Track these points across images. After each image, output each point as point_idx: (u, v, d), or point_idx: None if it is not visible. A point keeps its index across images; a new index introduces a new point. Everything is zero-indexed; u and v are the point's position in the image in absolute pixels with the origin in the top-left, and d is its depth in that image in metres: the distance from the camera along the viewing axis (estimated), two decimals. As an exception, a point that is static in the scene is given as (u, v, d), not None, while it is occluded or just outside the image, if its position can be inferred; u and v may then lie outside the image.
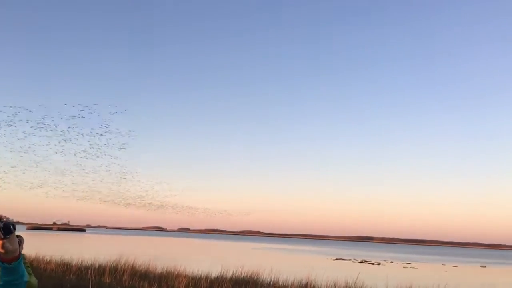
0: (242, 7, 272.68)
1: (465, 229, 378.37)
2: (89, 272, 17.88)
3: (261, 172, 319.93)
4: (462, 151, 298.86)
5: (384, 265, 60.91)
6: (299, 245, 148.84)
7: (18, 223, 3.70)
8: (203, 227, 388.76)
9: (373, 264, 60.84)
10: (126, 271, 19.39)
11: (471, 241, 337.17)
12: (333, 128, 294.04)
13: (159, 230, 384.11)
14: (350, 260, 67.64)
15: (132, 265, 22.12)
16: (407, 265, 63.64)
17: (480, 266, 76.24)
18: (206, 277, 20.91)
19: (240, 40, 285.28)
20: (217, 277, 21.68)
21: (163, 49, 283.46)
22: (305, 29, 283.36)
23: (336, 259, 69.48)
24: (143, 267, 22.67)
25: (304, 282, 22.08)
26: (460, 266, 70.63)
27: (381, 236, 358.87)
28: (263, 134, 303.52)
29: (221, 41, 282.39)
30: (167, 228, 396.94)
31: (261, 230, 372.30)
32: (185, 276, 19.87)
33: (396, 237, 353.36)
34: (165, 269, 22.36)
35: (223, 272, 22.32)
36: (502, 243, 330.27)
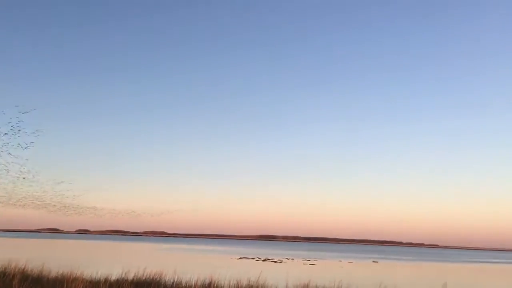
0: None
1: (361, 227, 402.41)
2: (-28, 278, 16.36)
3: (172, 173, 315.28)
4: (353, 153, 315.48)
5: (286, 262, 62.95)
6: (204, 245, 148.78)
7: None
8: (104, 228, 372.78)
9: (275, 262, 62.59)
10: (16, 276, 18.05)
11: (366, 238, 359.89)
12: (240, 131, 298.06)
13: (55, 232, 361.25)
14: (253, 258, 68.98)
15: (23, 270, 20.64)
16: (307, 262, 66.36)
17: (373, 261, 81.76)
18: (106, 280, 20.16)
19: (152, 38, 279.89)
20: (118, 279, 20.98)
21: (73, 49, 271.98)
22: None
23: (240, 258, 70.46)
24: (36, 271, 21.25)
25: (207, 281, 22.14)
26: (355, 262, 75.19)
27: (284, 234, 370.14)
28: (174, 134, 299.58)
29: (124, 39, 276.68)
30: (64, 230, 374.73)
31: (165, 231, 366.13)
32: (82, 280, 18.98)
33: (298, 235, 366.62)
34: (61, 273, 21.14)
35: (124, 274, 21.64)
36: (393, 240, 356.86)
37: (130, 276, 21.39)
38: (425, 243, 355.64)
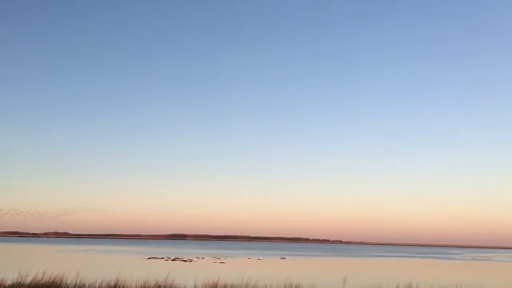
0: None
1: (270, 224, 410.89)
2: None
3: (79, 171, 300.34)
4: (256, 153, 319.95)
5: (196, 261, 62.79)
6: (111, 246, 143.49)
7: None
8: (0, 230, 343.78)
9: (185, 261, 62.17)
10: None
11: (275, 236, 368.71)
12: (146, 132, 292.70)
13: None
14: (163, 258, 67.93)
15: None
16: (217, 260, 66.72)
17: (281, 258, 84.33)
18: (0, 285, 18.79)
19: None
20: (13, 284, 19.66)
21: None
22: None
23: (149, 258, 69.04)
24: None
25: (113, 283, 21.50)
26: (264, 259, 76.99)
27: (194, 233, 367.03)
28: (79, 132, 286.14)
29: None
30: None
31: (69, 231, 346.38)
32: (-28, 285, 17.49)
33: (208, 233, 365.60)
34: None
35: (21, 278, 20.30)
36: (301, 237, 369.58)
37: (28, 280, 20.14)
38: (330, 239, 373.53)
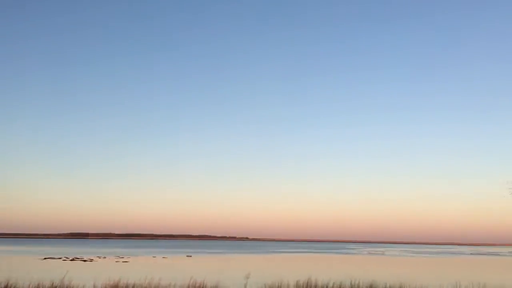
0: None
1: (176, 222, 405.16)
2: None
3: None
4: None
5: (97, 261, 60.47)
6: (2, 246, 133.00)
7: None
8: None
9: (85, 261, 59.62)
10: None
11: (181, 233, 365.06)
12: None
13: None
14: (60, 258, 64.55)
15: None
16: (119, 259, 64.77)
17: (187, 255, 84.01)
18: None
19: None
20: None
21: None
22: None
23: (45, 258, 65.21)
24: None
25: (2, 285, 20.16)
26: (169, 257, 76.19)
27: (96, 232, 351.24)
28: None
29: None
30: None
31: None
32: None
33: (112, 232, 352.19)
34: None
35: None
36: (209, 234, 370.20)
37: None
38: (237, 236, 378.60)
